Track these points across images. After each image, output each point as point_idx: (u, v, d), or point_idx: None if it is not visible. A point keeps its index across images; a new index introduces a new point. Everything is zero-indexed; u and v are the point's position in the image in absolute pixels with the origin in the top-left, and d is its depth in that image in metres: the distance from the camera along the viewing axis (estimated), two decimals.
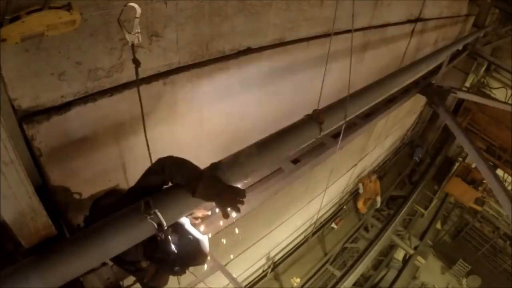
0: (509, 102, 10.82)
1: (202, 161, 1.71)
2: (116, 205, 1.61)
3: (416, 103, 9.75)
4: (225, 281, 3.54)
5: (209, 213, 2.14)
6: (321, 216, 8.78)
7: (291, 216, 6.49)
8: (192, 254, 1.76)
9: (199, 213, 2.09)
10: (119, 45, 1.87)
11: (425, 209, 11.59)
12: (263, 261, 7.17)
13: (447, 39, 8.15)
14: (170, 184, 1.66)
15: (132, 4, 1.40)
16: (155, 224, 1.50)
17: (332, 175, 6.99)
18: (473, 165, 11.48)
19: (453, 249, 13.44)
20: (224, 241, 3.70)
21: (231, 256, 5.08)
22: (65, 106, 1.81)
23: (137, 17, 1.43)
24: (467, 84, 11.44)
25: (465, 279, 12.54)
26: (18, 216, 1.42)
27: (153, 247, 1.70)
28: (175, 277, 2.06)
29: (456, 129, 5.13)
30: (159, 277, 1.85)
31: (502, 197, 4.33)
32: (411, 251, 9.97)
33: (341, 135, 2.92)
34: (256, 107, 3.30)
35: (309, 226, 8.23)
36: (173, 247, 1.64)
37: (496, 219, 13.79)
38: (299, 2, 2.99)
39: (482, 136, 11.51)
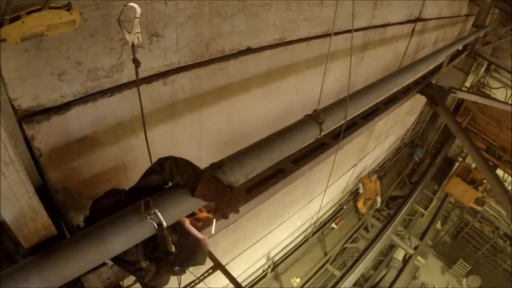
0: (509, 102, 10.83)
1: (202, 161, 1.71)
2: (116, 205, 1.62)
3: (416, 103, 9.75)
4: (225, 281, 3.54)
5: (210, 216, 2.14)
6: (321, 216, 8.78)
7: (291, 216, 6.49)
8: (192, 254, 1.76)
9: (201, 215, 2.09)
10: (119, 45, 1.87)
11: (425, 209, 11.58)
12: (263, 261, 7.17)
13: (447, 39, 8.14)
14: (170, 184, 1.66)
15: (132, 4, 1.40)
16: (155, 224, 1.50)
17: (332, 175, 6.98)
18: (473, 165, 11.49)
19: (453, 249, 13.47)
20: (223, 241, 3.70)
21: (231, 256, 5.08)
22: (65, 106, 1.81)
23: (137, 17, 1.43)
24: (467, 84, 11.45)
25: (465, 279, 12.56)
26: (18, 216, 1.42)
27: (153, 247, 1.70)
28: (175, 277, 2.05)
29: (456, 129, 5.14)
30: (159, 277, 1.85)
31: (502, 197, 4.34)
32: (411, 251, 9.96)
33: (341, 135, 2.93)
34: (256, 107, 3.30)
35: (309, 226, 8.23)
36: (173, 247, 1.64)
37: (496, 219, 13.82)
38: (299, 2, 2.99)
39: (482, 136, 11.51)
